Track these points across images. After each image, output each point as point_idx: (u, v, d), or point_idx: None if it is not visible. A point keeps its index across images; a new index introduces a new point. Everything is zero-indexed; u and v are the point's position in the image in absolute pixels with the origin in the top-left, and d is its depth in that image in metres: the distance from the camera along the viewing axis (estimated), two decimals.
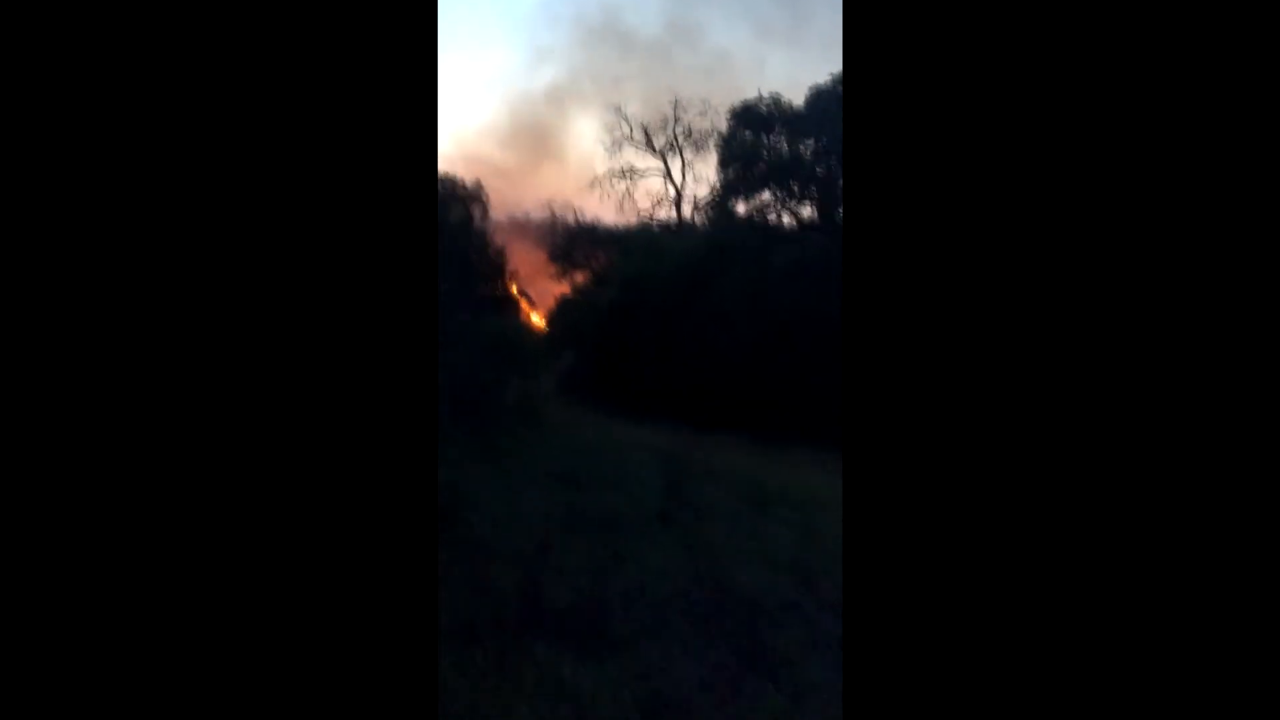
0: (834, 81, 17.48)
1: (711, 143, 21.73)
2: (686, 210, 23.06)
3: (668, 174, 23.09)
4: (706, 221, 21.25)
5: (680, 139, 22.82)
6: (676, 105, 22.57)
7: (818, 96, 17.90)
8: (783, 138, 19.04)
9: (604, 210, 24.39)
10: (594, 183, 23.48)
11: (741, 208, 19.63)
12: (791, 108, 18.78)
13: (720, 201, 20.31)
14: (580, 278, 22.62)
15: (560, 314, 21.12)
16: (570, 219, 24.09)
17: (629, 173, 23.34)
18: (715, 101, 22.16)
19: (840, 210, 16.85)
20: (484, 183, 14.60)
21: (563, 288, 23.06)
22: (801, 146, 18.11)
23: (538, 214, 25.62)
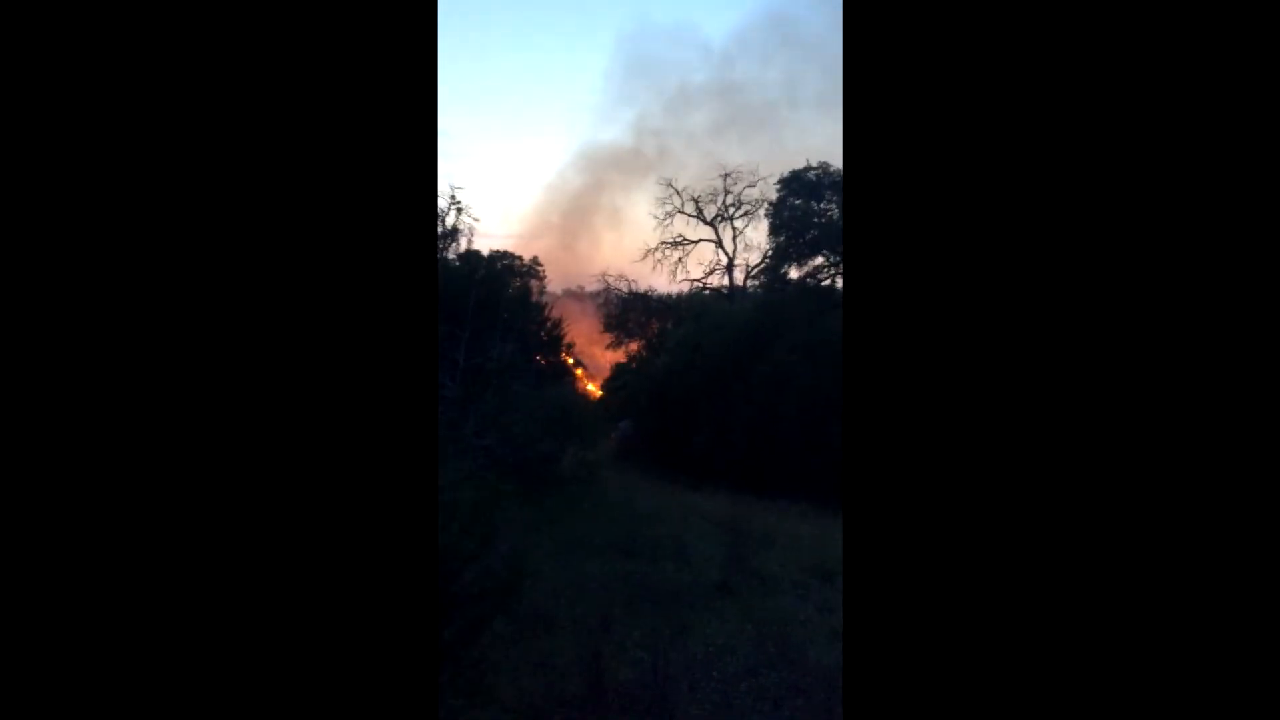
0: None
1: (762, 211, 22.04)
2: (739, 276, 23.25)
3: (719, 243, 23.43)
4: (759, 287, 21.35)
5: (730, 209, 23.23)
6: (726, 177, 23.04)
7: None
8: (834, 204, 19.22)
9: (657, 279, 24.74)
10: (646, 253, 23.96)
11: (794, 273, 19.73)
12: (841, 173, 19.04)
13: (772, 267, 20.45)
14: (634, 346, 22.88)
15: (615, 382, 21.28)
16: (623, 288, 24.54)
17: (681, 243, 23.78)
18: (764, 170, 22.52)
19: None
20: (541, 258, 15.09)
21: (618, 356, 23.32)
22: None
23: (592, 285, 26.26)
